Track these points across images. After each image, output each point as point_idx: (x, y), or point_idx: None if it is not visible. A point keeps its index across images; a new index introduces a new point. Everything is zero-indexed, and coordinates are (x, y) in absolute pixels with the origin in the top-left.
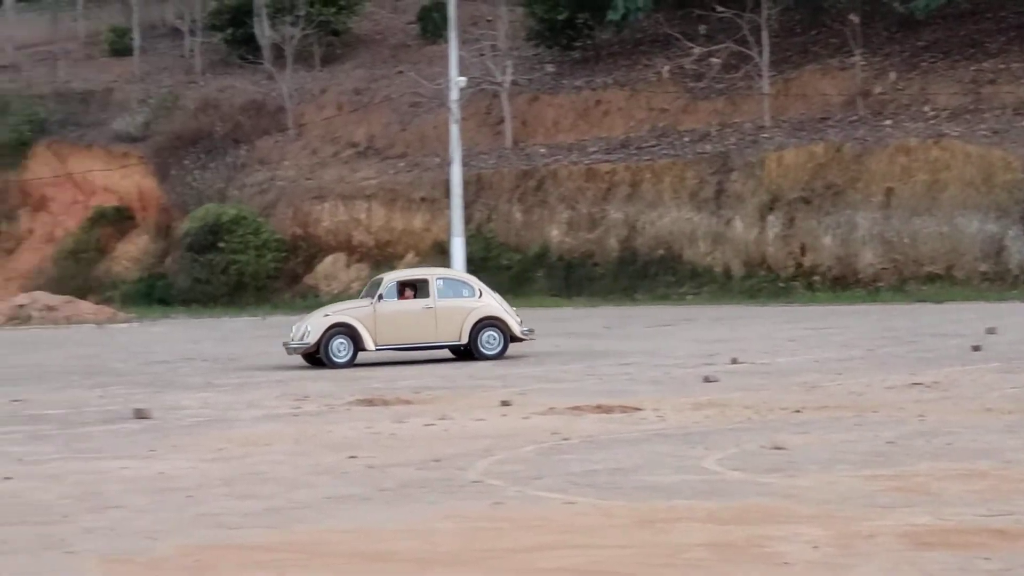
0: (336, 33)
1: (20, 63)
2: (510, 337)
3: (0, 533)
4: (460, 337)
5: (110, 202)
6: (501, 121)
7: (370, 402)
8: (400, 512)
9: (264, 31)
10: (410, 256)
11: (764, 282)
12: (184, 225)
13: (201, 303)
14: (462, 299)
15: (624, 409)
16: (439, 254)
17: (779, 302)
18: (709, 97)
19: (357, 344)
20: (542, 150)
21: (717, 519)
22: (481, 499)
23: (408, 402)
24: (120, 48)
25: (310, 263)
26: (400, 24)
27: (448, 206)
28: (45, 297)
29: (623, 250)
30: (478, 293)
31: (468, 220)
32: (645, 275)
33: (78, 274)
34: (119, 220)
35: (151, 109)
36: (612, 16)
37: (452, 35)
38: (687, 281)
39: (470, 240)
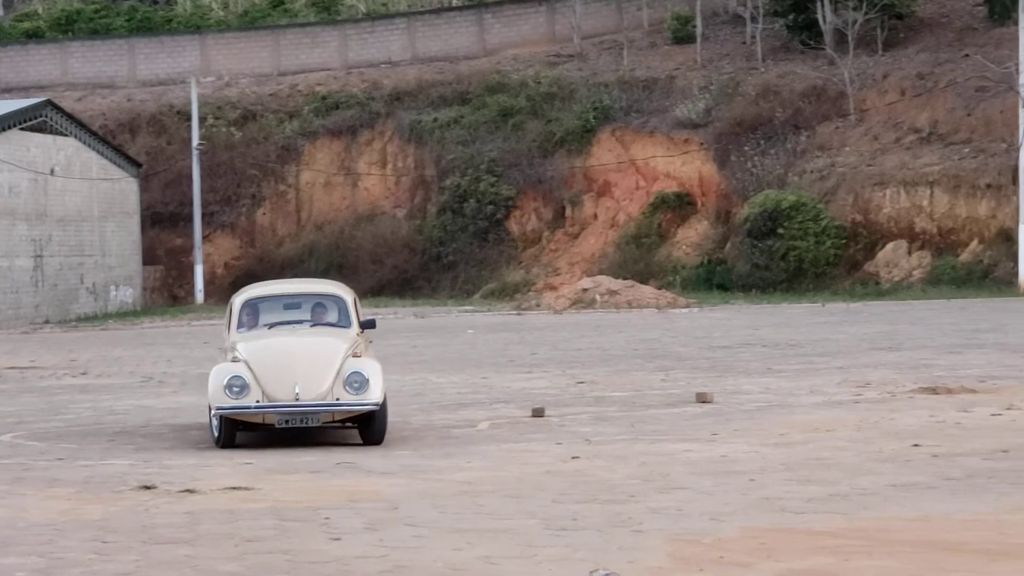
0: (900, 17)
1: (587, 52)
2: None
3: (570, 510)
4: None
5: (671, 188)
6: None
7: (933, 390)
8: (967, 502)
9: (826, 16)
10: (974, 244)
11: None
12: (743, 211)
13: (760, 289)
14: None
15: None
16: (1005, 242)
17: None
18: None
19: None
20: None
21: None
22: None
23: (973, 391)
24: (682, 36)
25: (871, 250)
26: (966, 6)
27: (1015, 193)
28: (608, 281)
29: None
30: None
31: None
32: None
33: (640, 259)
34: (680, 206)
35: (712, 96)
36: None
37: (1021, 16)
38: None
39: None
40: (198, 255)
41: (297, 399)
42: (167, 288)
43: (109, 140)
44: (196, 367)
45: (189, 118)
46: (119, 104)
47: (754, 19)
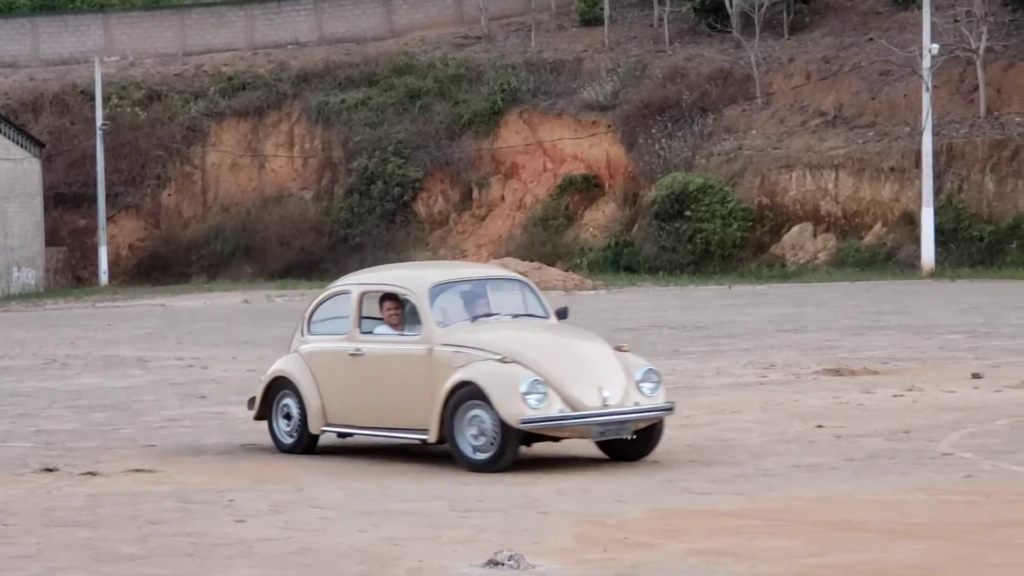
0: (806, 1)
1: (494, 33)
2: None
3: (476, 491)
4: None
5: (578, 170)
6: (974, 89)
7: (837, 372)
8: (868, 482)
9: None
10: (878, 227)
11: None
12: (651, 193)
13: (667, 271)
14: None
15: None
16: (908, 225)
17: None
18: None
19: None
20: (1017, 119)
21: None
22: (952, 472)
23: (875, 372)
24: (590, 18)
25: (776, 233)
26: None
27: (918, 176)
28: (515, 263)
29: None
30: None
31: (938, 191)
32: None
33: (547, 241)
34: (587, 188)
35: (619, 78)
36: None
37: (925, 1)
38: None
39: (940, 211)
40: (102, 236)
41: (606, 405)
42: (70, 269)
43: (11, 120)
44: (100, 349)
45: (93, 98)
46: (22, 83)
47: (661, 2)
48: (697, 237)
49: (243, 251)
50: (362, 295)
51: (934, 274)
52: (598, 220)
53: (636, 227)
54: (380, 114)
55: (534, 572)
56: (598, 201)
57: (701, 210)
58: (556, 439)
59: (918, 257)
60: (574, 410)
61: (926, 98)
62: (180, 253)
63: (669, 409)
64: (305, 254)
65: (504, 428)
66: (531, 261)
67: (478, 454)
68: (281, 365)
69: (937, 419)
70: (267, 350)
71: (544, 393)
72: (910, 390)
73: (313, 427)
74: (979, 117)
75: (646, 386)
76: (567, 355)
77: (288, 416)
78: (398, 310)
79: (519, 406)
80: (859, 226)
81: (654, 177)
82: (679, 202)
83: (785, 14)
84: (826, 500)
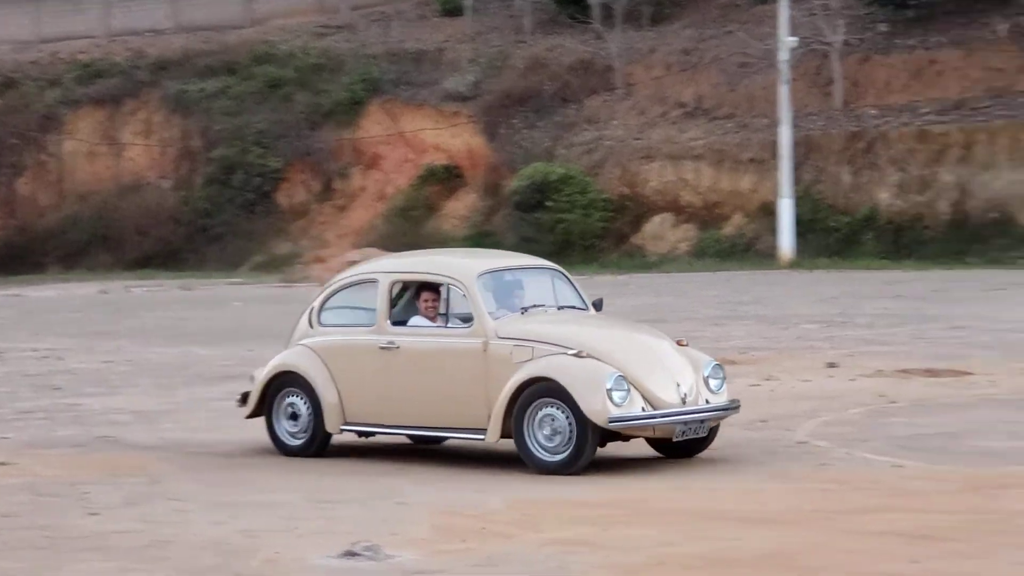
0: None
1: (355, 23)
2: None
3: (335, 483)
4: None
5: (440, 160)
6: (831, 82)
7: None
8: (725, 471)
9: None
10: (737, 217)
11: None
12: (512, 184)
13: None
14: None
15: (954, 373)
16: (766, 215)
17: None
18: None
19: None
20: (872, 111)
21: None
22: (807, 460)
23: (733, 362)
24: (451, 8)
25: (637, 223)
26: None
27: (776, 167)
28: (376, 253)
29: (955, 213)
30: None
31: (796, 182)
32: (977, 238)
33: (408, 231)
34: (448, 178)
35: (481, 69)
36: None
37: None
38: (1021, 245)
39: (798, 202)
40: None
41: (684, 403)
42: None
43: None
44: None
45: None
46: None
47: None
48: (558, 227)
49: (100, 241)
50: (392, 284)
51: (792, 264)
52: (459, 210)
53: (498, 217)
54: (240, 103)
55: (391, 563)
56: (459, 191)
57: (562, 200)
58: (628, 439)
59: (776, 247)
60: (654, 408)
61: (783, 90)
62: (36, 243)
63: (737, 407)
64: (164, 244)
65: (583, 428)
66: (393, 251)
67: (551, 456)
68: (285, 359)
69: (793, 408)
70: (124, 340)
71: (627, 390)
72: (767, 379)
73: (330, 426)
74: (835, 109)
75: (714, 382)
76: (639, 350)
77: (295, 416)
78: (436, 301)
79: (605, 404)
80: (719, 217)
81: (515, 167)
82: (540, 192)
83: (646, 5)
84: (683, 489)
